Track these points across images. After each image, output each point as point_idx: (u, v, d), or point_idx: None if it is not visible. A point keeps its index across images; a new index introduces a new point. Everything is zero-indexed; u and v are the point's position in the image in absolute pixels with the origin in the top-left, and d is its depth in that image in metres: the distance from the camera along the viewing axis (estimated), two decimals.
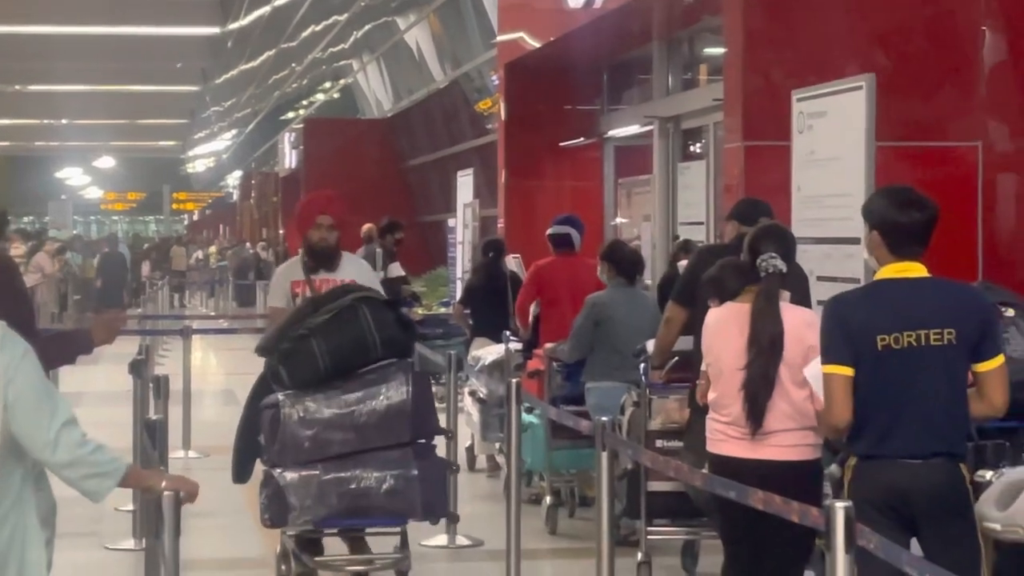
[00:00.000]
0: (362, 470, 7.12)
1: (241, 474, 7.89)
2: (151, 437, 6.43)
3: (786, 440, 5.83)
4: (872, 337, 5.17)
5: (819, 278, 8.27)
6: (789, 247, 6.11)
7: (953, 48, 9.99)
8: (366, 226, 17.73)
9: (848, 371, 5.16)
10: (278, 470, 7.08)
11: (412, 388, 7.40)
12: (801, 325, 5.89)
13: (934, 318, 5.19)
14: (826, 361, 5.24)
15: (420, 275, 20.92)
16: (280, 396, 7.28)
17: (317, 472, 7.07)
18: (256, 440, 7.45)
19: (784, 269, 5.96)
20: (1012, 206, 9.96)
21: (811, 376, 5.59)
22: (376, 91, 35.99)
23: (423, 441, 7.53)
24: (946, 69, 9.96)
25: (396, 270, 16.34)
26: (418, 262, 22.28)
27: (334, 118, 39.79)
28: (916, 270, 5.28)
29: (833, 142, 8.39)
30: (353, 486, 7.10)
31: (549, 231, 10.87)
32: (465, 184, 19.62)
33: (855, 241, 8.07)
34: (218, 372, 19.51)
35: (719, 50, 12.10)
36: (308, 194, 9.96)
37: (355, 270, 8.57)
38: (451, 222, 20.50)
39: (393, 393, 7.33)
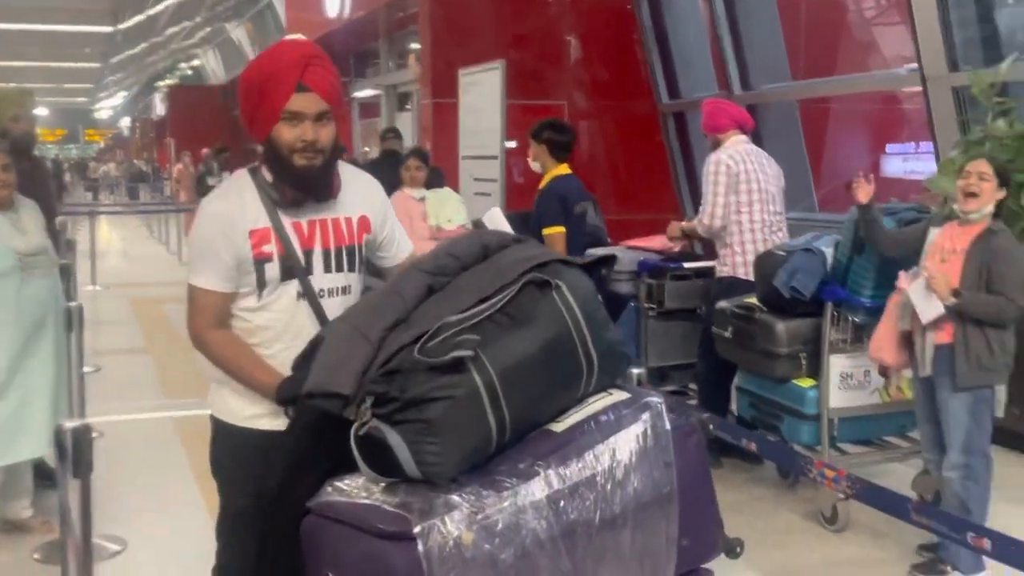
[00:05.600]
0: None
1: None
2: (65, 277, 5.83)
3: None
4: (573, 206, 5.13)
5: (474, 179, 8.34)
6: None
7: (553, 45, 10.09)
8: (205, 149, 17.04)
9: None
10: None
11: (679, 457, 1.88)
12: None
13: (587, 196, 5.26)
14: (556, 224, 5.00)
15: None
16: (416, 510, 1.69)
17: None
18: None
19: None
20: (585, 139, 10.17)
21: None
22: (215, 68, 34.30)
23: (701, 568, 1.98)
24: (548, 57, 10.04)
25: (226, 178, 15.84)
26: None
27: (188, 85, 37.76)
28: (568, 169, 5.27)
29: (482, 100, 8.40)
30: None
31: None
32: None
33: (493, 157, 8.17)
34: (113, 239, 18.58)
35: (418, 45, 11.90)
36: (259, 56, 2.38)
37: (369, 194, 2.44)
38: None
39: (641, 470, 1.82)
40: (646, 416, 1.89)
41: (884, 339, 4.01)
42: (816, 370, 4.43)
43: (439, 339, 1.75)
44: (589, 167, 9.88)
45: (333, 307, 2.27)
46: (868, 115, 11.00)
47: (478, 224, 5.79)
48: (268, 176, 2.34)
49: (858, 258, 4.28)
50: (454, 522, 1.68)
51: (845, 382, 4.41)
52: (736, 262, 5.07)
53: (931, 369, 3.79)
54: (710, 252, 5.47)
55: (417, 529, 1.66)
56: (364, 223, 2.39)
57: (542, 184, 5.24)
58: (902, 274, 3.91)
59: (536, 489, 1.74)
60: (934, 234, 3.86)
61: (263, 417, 2.24)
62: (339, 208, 2.36)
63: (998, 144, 5.52)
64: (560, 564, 1.75)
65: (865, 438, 4.60)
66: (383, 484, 1.78)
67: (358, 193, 2.42)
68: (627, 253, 5.58)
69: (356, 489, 1.80)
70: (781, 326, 4.46)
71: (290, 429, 1.98)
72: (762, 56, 9.00)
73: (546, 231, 5.01)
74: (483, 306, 1.81)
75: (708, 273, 5.37)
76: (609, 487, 1.79)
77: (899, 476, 4.57)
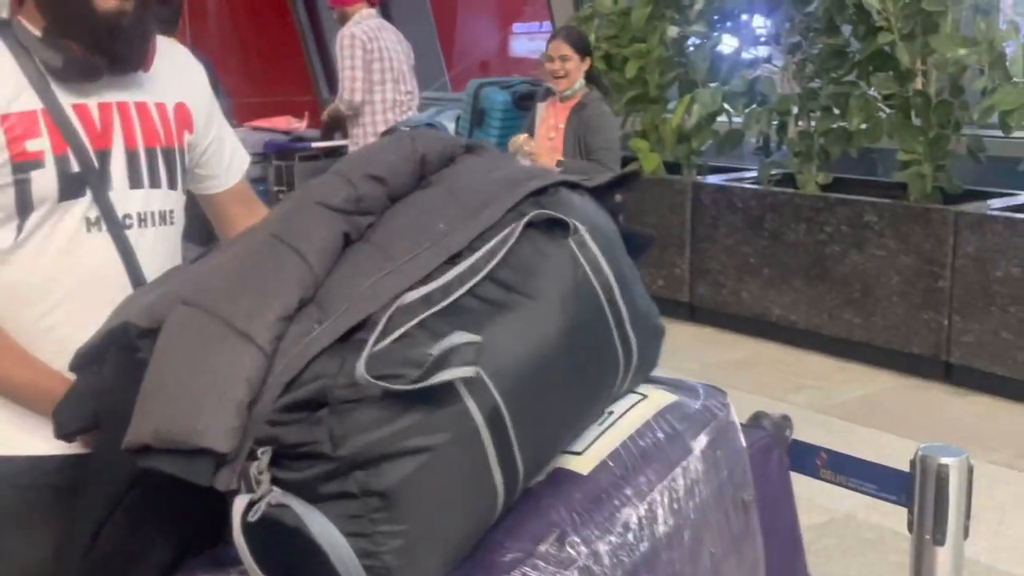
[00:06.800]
0: None
1: None
2: None
3: None
4: None
5: None
6: None
7: None
8: None
9: None
10: None
11: (759, 489, 1.13)
12: None
13: None
14: None
15: None
16: None
17: None
18: None
19: None
20: (212, 16, 9.66)
21: None
22: None
23: None
24: None
25: None
26: None
27: None
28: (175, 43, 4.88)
29: None
30: None
31: None
32: None
33: None
34: None
35: None
36: None
37: (186, 73, 1.53)
38: None
39: (715, 520, 1.05)
40: (710, 431, 1.15)
41: None
42: None
43: (392, 337, 0.91)
44: (217, 46, 9.43)
45: (148, 248, 1.39)
46: None
47: None
48: (34, 29, 1.37)
49: (478, 131, 4.44)
50: None
51: None
52: (369, 143, 5.08)
53: None
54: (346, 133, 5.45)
55: None
56: (184, 115, 1.48)
57: None
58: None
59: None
60: (541, 109, 4.09)
61: (36, 434, 1.32)
62: (147, 88, 1.43)
63: (605, 20, 5.86)
64: None
65: None
66: None
67: (171, 69, 1.48)
68: (252, 135, 5.44)
69: None
70: None
71: (92, 494, 1.07)
72: None
73: None
74: (457, 271, 0.98)
75: (339, 152, 5.35)
76: (677, 562, 1.05)
77: None
